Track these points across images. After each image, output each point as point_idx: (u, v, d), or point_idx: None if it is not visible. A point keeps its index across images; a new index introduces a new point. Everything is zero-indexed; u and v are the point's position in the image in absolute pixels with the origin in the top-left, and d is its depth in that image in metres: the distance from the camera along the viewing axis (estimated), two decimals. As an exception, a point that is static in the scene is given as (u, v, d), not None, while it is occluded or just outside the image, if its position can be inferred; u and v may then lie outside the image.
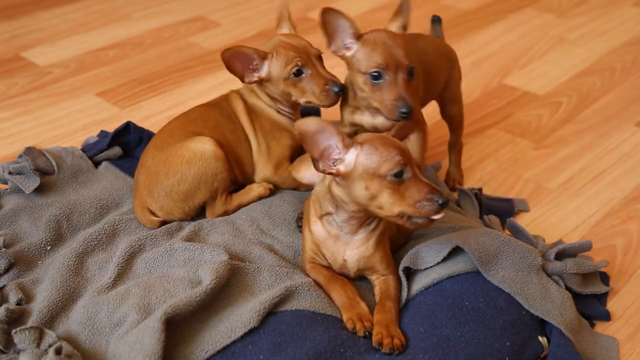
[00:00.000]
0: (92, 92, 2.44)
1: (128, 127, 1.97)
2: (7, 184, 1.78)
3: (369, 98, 1.59)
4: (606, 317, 1.56)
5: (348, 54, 1.59)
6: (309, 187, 1.74)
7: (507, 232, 1.70)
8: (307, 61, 1.68)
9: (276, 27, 1.80)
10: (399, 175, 1.32)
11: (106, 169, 1.89)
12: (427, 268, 1.52)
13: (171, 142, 1.69)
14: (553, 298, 1.47)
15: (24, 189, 1.72)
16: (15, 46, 2.74)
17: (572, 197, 1.97)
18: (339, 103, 1.71)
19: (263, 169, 1.79)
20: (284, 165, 1.79)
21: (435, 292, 1.46)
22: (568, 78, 2.61)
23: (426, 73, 1.75)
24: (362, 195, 1.35)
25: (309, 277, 1.51)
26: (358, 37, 1.57)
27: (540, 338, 1.41)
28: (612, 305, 1.60)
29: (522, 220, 1.86)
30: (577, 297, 1.54)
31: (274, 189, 1.81)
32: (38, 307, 1.44)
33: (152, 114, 2.31)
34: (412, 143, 1.71)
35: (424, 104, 1.82)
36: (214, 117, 1.76)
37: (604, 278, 1.64)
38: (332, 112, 1.91)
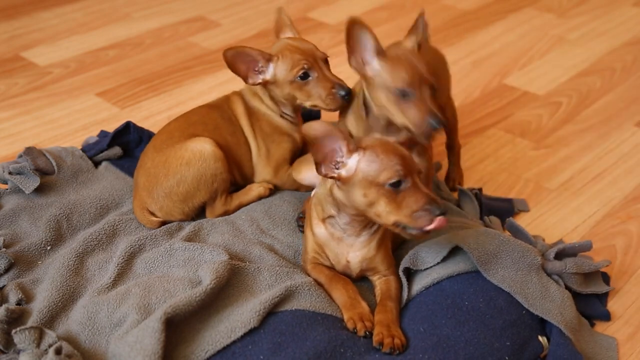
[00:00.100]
0: (92, 92, 2.44)
1: (128, 127, 1.97)
2: (7, 184, 1.78)
3: (394, 115, 1.53)
4: (606, 317, 1.56)
5: (369, 71, 1.54)
6: (309, 188, 1.74)
7: (507, 232, 1.70)
8: (313, 64, 1.67)
9: (276, 34, 1.78)
10: (397, 184, 1.32)
11: (106, 169, 1.89)
12: (427, 268, 1.52)
13: (170, 143, 1.69)
14: (553, 297, 1.47)
15: (24, 189, 1.72)
16: (15, 46, 2.74)
17: (572, 197, 1.97)
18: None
19: (262, 172, 1.79)
20: (283, 168, 1.79)
21: (435, 292, 1.46)
22: (568, 78, 2.61)
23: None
24: (360, 202, 1.35)
25: (309, 277, 1.51)
26: (379, 52, 1.52)
27: (540, 338, 1.41)
28: (612, 305, 1.60)
29: (522, 220, 1.86)
30: (577, 296, 1.54)
31: (274, 189, 1.81)
32: (38, 307, 1.44)
33: (152, 114, 2.31)
34: (418, 155, 1.70)
35: None
36: (214, 119, 1.75)
37: (605, 278, 1.64)
38: (331, 116, 1.90)
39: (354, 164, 1.34)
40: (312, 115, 2.01)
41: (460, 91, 2.44)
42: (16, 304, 1.45)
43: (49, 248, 1.63)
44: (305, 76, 1.67)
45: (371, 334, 1.38)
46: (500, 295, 1.44)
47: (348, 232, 1.46)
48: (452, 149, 1.99)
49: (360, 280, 1.54)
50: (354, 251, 1.48)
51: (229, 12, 3.10)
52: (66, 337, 1.37)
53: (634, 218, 1.89)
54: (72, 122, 2.26)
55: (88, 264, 1.58)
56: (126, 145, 1.96)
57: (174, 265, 1.55)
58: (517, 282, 1.46)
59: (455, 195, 1.91)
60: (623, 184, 2.02)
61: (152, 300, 1.42)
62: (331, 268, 1.52)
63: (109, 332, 1.38)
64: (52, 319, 1.43)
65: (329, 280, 1.49)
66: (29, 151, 1.81)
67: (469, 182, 2.02)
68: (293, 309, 1.40)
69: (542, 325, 1.44)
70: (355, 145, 1.35)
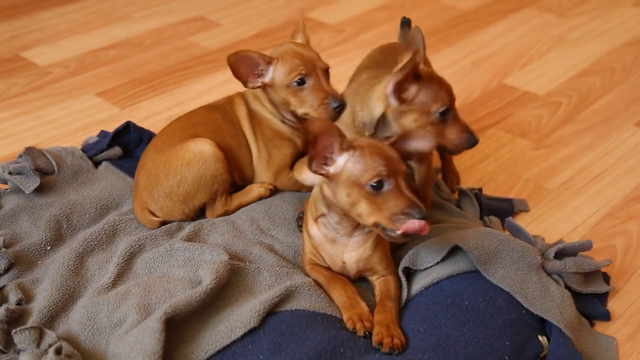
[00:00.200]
0: (92, 92, 2.44)
1: (128, 127, 1.97)
2: (7, 184, 1.78)
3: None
4: (606, 317, 1.56)
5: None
6: (310, 189, 1.74)
7: (507, 232, 1.70)
8: (311, 72, 1.65)
9: (291, 36, 1.78)
10: (378, 186, 1.32)
11: (106, 169, 1.89)
12: (426, 268, 1.52)
13: (171, 144, 1.69)
14: (553, 297, 1.47)
15: (24, 189, 1.72)
16: (15, 46, 2.74)
17: (572, 197, 1.97)
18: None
19: (263, 176, 1.79)
20: (284, 172, 1.79)
21: (434, 291, 1.46)
22: (568, 78, 2.61)
23: None
24: (344, 201, 1.36)
25: (309, 277, 1.51)
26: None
27: (540, 337, 1.41)
28: (612, 305, 1.60)
29: (522, 220, 1.86)
30: (577, 296, 1.54)
31: (274, 189, 1.80)
32: (38, 307, 1.44)
33: (152, 114, 2.31)
34: (417, 175, 1.69)
35: None
36: (216, 121, 1.75)
37: (605, 278, 1.64)
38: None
39: (342, 162, 1.35)
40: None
41: (461, 91, 2.43)
42: (16, 304, 1.45)
43: (49, 248, 1.63)
44: (301, 82, 1.66)
45: (370, 334, 1.38)
46: (500, 294, 1.44)
47: (340, 232, 1.46)
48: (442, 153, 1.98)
49: (359, 281, 1.54)
50: (349, 252, 1.48)
51: (229, 12, 3.10)
52: (66, 337, 1.37)
53: (634, 218, 1.89)
54: (72, 122, 2.26)
55: (88, 264, 1.58)
56: (126, 145, 1.96)
57: (174, 265, 1.55)
58: (516, 282, 1.46)
59: (456, 195, 1.91)
60: (623, 184, 2.02)
61: (152, 300, 1.42)
62: (329, 269, 1.52)
63: (109, 332, 1.38)
64: (52, 319, 1.43)
65: (328, 280, 1.49)
66: (29, 151, 1.81)
67: (469, 182, 2.02)
68: (293, 309, 1.40)
69: (542, 325, 1.44)
70: (348, 144, 1.35)
